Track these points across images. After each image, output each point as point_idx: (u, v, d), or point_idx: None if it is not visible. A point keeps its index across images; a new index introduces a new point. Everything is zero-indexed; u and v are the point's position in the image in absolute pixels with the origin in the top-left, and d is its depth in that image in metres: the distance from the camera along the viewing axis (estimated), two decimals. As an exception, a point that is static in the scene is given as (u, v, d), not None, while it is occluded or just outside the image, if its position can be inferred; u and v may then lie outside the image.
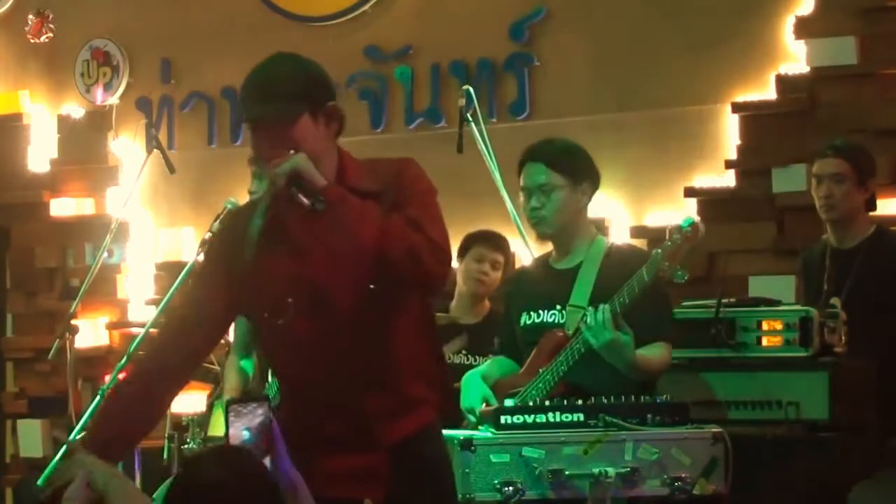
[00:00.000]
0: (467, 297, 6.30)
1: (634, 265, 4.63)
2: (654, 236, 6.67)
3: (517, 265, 7.16)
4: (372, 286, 3.62)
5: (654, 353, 4.72)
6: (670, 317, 4.90)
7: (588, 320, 4.57)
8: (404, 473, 3.68)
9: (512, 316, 4.99)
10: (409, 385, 3.71)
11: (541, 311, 4.86)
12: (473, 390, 4.87)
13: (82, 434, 4.02)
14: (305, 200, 3.55)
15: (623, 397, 4.52)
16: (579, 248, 4.86)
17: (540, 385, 4.73)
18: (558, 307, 4.81)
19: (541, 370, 4.75)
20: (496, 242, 6.29)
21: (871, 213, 5.77)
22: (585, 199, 4.89)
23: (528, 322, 4.90)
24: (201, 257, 5.15)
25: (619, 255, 4.84)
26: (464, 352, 6.09)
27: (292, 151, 3.58)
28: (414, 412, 3.72)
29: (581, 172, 4.87)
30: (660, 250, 4.55)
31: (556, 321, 4.80)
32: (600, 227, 7.03)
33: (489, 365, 5.06)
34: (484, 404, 4.80)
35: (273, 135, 3.61)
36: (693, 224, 4.54)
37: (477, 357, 6.13)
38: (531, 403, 4.64)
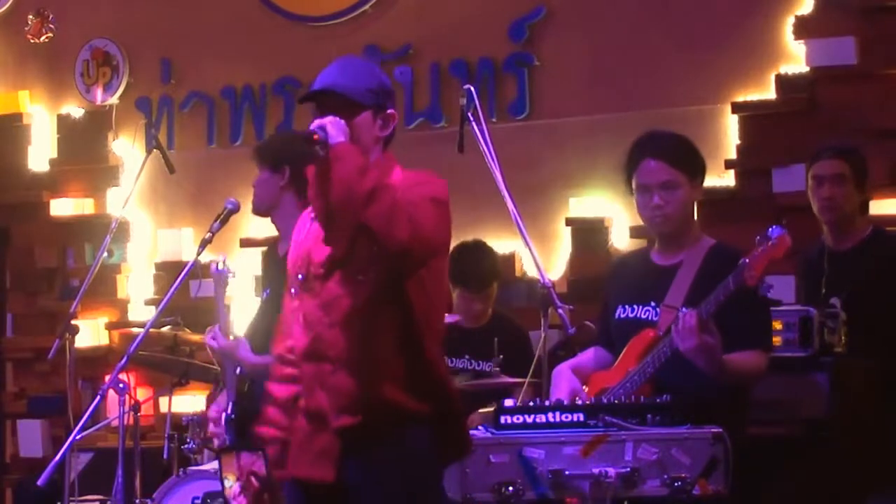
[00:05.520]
0: None
1: (733, 269, 4.53)
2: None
3: (517, 266, 7.17)
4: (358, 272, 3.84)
5: (745, 359, 4.62)
6: (765, 325, 4.78)
7: (678, 325, 4.50)
8: (355, 462, 3.86)
9: (609, 307, 4.94)
10: (376, 382, 3.85)
11: (635, 307, 4.82)
12: (563, 384, 4.83)
13: None
14: (315, 146, 3.76)
15: (625, 398, 4.53)
16: (683, 247, 4.82)
17: (628, 386, 4.69)
18: (653, 304, 4.77)
19: (628, 371, 4.72)
20: (478, 286, 6.23)
21: (871, 213, 5.78)
22: (698, 195, 4.89)
23: (623, 316, 4.85)
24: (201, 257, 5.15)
25: (721, 257, 4.72)
26: (467, 356, 6.07)
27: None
28: (369, 409, 3.85)
29: (698, 168, 4.84)
30: (747, 259, 4.46)
31: (650, 318, 4.76)
32: (600, 226, 7.05)
33: (584, 355, 5.00)
34: (576, 399, 4.73)
35: (335, 111, 3.85)
36: (781, 235, 4.46)
37: (480, 362, 6.12)
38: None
